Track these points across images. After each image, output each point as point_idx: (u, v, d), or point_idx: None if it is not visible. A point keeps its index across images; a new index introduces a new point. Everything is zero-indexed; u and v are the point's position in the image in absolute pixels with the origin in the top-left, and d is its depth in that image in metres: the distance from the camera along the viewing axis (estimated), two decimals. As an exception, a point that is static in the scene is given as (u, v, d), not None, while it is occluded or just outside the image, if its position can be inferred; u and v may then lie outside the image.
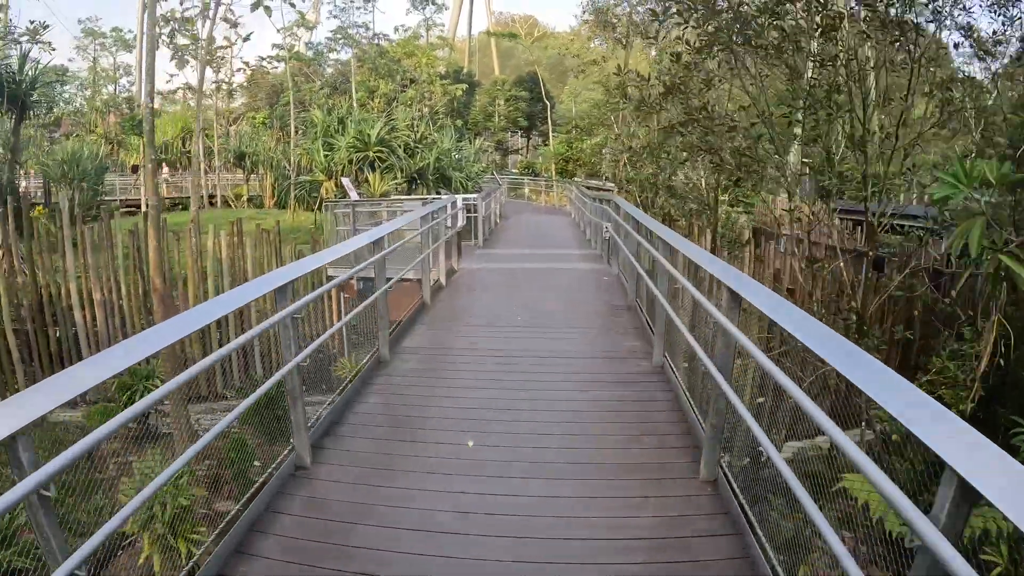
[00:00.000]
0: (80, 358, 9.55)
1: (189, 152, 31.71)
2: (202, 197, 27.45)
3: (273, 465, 3.94)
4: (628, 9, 22.83)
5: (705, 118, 6.18)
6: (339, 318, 10.46)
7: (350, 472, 3.90)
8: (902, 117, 5.66)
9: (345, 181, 12.47)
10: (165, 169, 29.60)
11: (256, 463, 5.70)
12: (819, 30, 5.58)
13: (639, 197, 18.45)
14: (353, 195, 12.03)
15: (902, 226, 8.68)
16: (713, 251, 11.10)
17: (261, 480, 3.79)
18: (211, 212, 25.62)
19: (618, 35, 23.00)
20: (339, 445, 4.23)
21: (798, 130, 7.50)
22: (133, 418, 2.29)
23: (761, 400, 5.34)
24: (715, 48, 5.79)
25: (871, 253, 6.57)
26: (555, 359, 5.71)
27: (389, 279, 6.64)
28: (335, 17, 36.97)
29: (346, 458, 4.07)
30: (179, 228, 18.62)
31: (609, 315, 7.29)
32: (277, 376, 3.51)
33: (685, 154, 14.32)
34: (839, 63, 6.20)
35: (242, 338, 3.42)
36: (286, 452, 4.02)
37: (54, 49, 27.90)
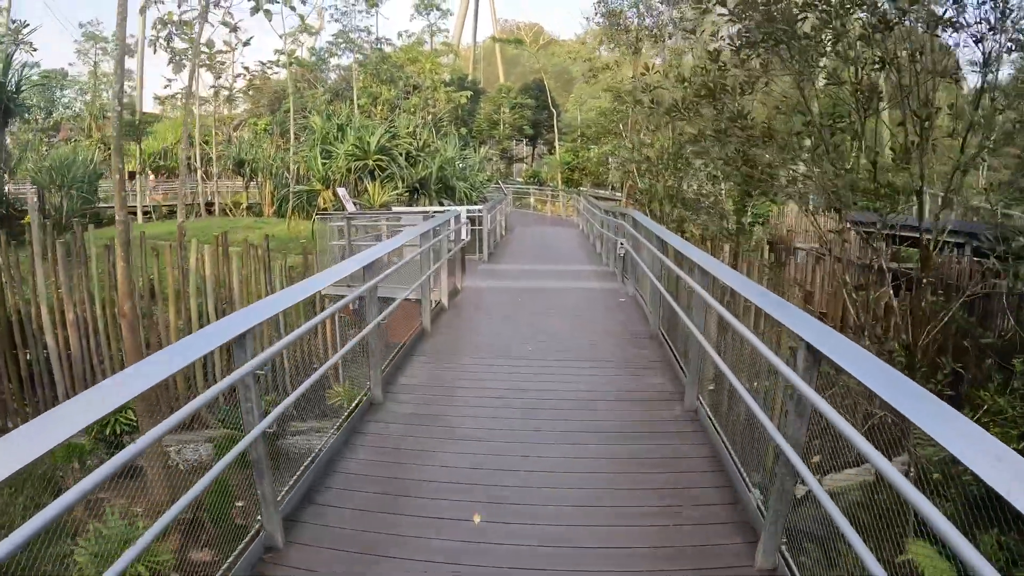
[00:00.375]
0: (52, 383, 8.85)
1: (189, 158, 31.16)
2: (198, 204, 26.82)
3: (237, 550, 3.22)
4: (641, 11, 22.14)
5: (747, 127, 5.48)
6: (333, 336, 9.74)
7: (330, 557, 3.18)
8: (970, 127, 4.96)
9: (341, 191, 11.76)
10: (151, 176, 28.98)
11: (239, 503, 5.01)
12: (882, 27, 4.90)
13: (648, 208, 17.78)
14: (349, 206, 11.32)
15: (947, 243, 7.94)
16: (735, 266, 10.36)
17: (221, 573, 3.07)
18: (208, 220, 25.02)
19: (629, 39, 22.34)
20: (319, 518, 3.50)
21: (808, 142, 6.83)
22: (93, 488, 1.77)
23: (817, 459, 4.61)
24: (759, 46, 5.08)
25: (925, 280, 5.85)
26: (572, 401, 4.99)
27: (387, 300, 5.95)
28: (336, 21, 36.41)
29: (326, 537, 3.35)
30: (169, 238, 17.99)
31: (630, 345, 6.56)
32: (236, 450, 2.80)
33: (700, 163, 13.67)
34: (891, 67, 5.49)
35: (205, 396, 2.72)
36: (253, 532, 3.30)
37: (35, 50, 27.31)
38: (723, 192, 11.44)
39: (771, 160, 5.62)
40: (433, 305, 8.08)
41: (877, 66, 5.10)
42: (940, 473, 5.73)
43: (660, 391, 5.22)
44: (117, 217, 6.38)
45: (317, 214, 11.85)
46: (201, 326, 8.77)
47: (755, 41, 4.97)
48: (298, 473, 3.85)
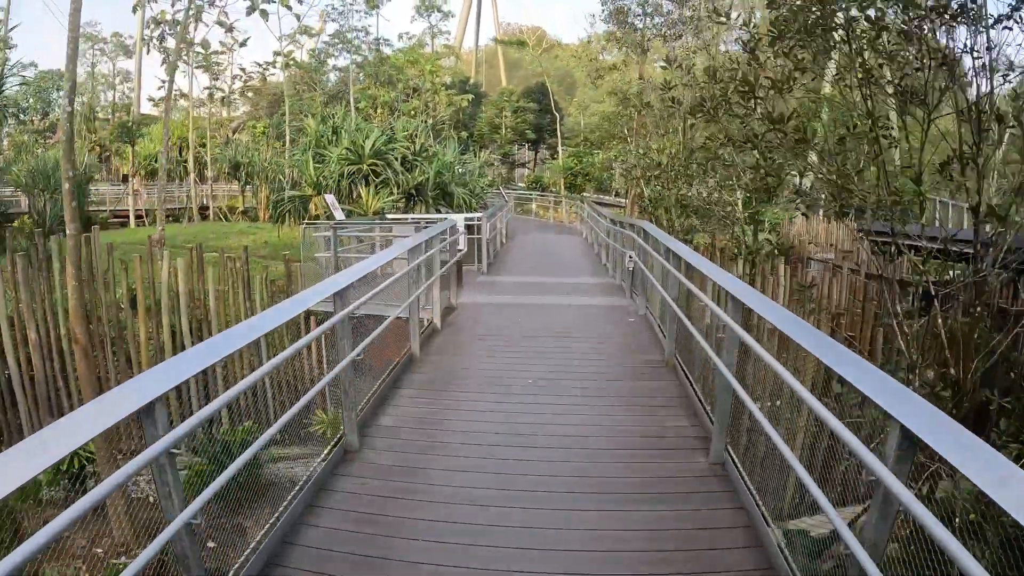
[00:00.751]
0: (15, 406, 8.18)
1: (186, 161, 30.63)
2: (190, 209, 26.21)
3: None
4: (649, 10, 21.46)
5: (789, 131, 4.76)
6: (318, 354, 9.03)
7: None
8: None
9: (328, 198, 11.07)
10: (135, 180, 28.39)
11: (211, 543, 4.38)
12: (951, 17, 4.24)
13: (653, 215, 17.10)
14: (338, 215, 10.64)
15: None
16: (752, 283, 9.60)
17: None
18: (201, 226, 24.42)
19: (636, 39, 21.65)
20: (267, 612, 2.83)
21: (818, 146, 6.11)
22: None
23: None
24: (807, 33, 4.39)
25: (979, 307, 5.16)
26: (578, 451, 4.29)
27: (376, 318, 5.30)
28: (333, 21, 35.83)
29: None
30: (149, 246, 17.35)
31: (643, 376, 5.88)
32: (149, 552, 2.11)
33: (707, 169, 12.98)
34: (946, 65, 4.82)
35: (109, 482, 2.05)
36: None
37: (13, 47, 26.62)
38: (738, 200, 10.74)
39: (809, 168, 4.93)
40: (425, 324, 7.41)
41: (934, 63, 4.43)
42: (976, 513, 5.25)
43: (680, 437, 4.54)
44: (68, 231, 5.69)
45: (306, 223, 11.16)
46: (175, 345, 8.09)
47: (805, 27, 4.26)
48: (248, 550, 3.18)
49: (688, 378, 5.59)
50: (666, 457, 4.27)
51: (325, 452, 4.13)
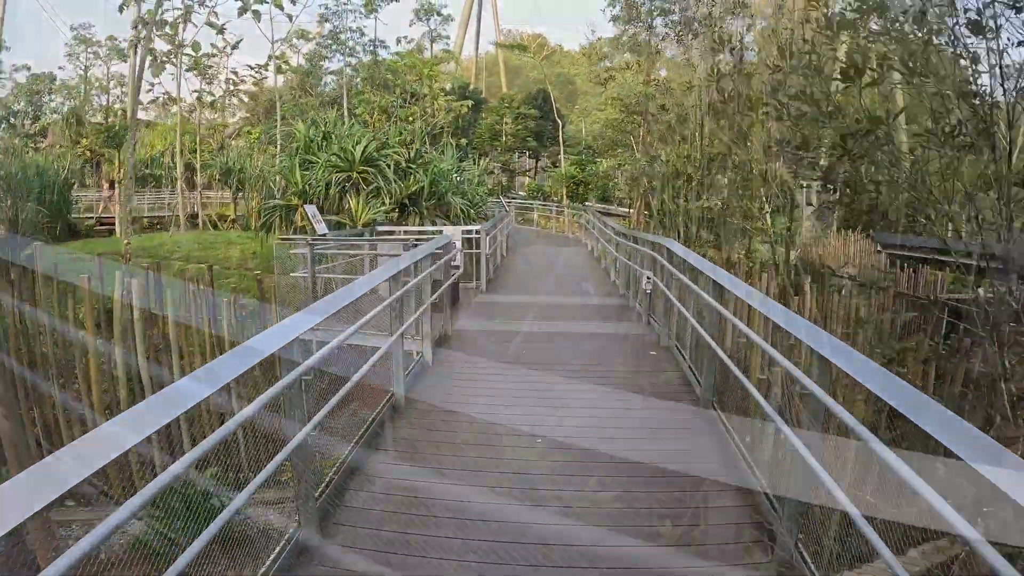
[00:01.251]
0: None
1: (174, 167, 29.70)
2: (177, 216, 25.26)
3: None
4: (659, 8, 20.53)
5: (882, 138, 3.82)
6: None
7: None
8: None
9: (309, 209, 10.09)
10: (106, 186, 27.41)
11: None
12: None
13: (661, 223, 16.19)
14: (320, 227, 9.67)
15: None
16: (786, 303, 8.61)
17: None
18: (189, 235, 23.46)
19: (646, 38, 20.74)
20: None
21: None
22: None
23: None
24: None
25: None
26: (603, 550, 3.30)
27: (359, 348, 4.33)
28: (327, 21, 34.87)
29: None
30: (140, 253, 16.31)
31: (674, 431, 4.88)
32: None
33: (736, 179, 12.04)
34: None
35: None
36: None
37: (8, 48, 25.82)
38: (768, 213, 9.78)
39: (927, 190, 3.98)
40: (416, 357, 6.43)
41: None
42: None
43: (732, 524, 3.53)
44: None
45: (279, 238, 10.21)
46: (129, 379, 7.10)
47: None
48: None
49: (729, 432, 4.62)
50: (717, 557, 3.26)
51: (275, 553, 3.13)
